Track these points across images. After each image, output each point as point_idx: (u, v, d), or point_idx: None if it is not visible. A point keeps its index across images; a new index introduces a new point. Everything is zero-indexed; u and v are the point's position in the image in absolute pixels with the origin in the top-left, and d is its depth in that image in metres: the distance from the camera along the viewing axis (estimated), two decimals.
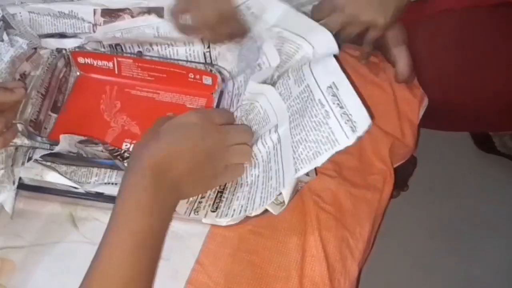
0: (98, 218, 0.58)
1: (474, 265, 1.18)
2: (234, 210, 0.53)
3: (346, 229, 0.59)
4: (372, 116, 0.45)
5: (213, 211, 0.54)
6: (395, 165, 0.67)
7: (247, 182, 0.54)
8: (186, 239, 0.57)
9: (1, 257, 0.56)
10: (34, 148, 0.59)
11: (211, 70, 0.65)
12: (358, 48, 0.70)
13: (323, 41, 0.57)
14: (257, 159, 0.55)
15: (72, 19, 0.69)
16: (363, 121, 0.45)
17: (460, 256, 1.19)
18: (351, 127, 0.46)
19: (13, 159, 0.60)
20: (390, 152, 0.65)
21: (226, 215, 0.53)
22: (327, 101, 0.49)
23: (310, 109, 0.50)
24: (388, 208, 0.69)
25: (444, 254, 1.19)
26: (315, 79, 0.51)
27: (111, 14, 0.68)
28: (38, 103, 0.63)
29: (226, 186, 0.55)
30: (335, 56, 0.52)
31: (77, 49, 0.68)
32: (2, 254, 0.56)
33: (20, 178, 0.57)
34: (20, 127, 0.61)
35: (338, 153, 0.46)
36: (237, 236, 0.57)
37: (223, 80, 0.65)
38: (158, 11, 0.66)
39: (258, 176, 0.53)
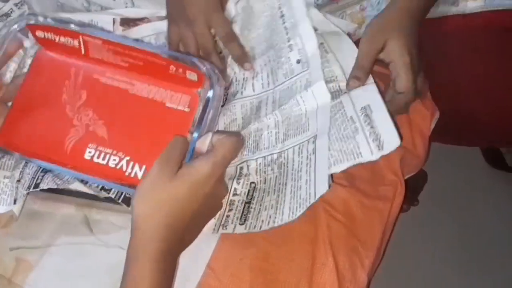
0: (113, 221, 0.58)
1: (483, 283, 1.17)
2: (263, 221, 0.53)
3: (357, 239, 0.59)
4: (401, 139, 0.49)
5: (242, 224, 0.54)
6: (406, 176, 0.68)
7: (274, 189, 0.55)
8: (197, 244, 0.57)
9: (16, 257, 0.57)
10: (45, 170, 0.58)
11: (196, 65, 0.51)
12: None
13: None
14: (287, 166, 0.55)
15: (92, 28, 0.71)
16: (392, 142, 0.49)
17: (469, 273, 1.18)
18: (378, 145, 0.49)
19: (21, 174, 0.59)
20: (401, 163, 0.66)
21: (255, 227, 0.53)
22: (359, 119, 0.52)
23: (340, 123, 0.53)
24: (398, 222, 0.70)
25: (452, 271, 1.19)
26: (350, 98, 0.55)
27: (129, 23, 0.69)
28: None
29: (254, 195, 0.56)
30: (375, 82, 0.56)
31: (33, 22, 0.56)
32: (18, 254, 0.57)
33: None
34: None
35: (359, 165, 0.50)
36: (248, 242, 0.57)
37: (210, 83, 0.52)
38: None
39: (286, 184, 0.54)
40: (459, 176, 1.29)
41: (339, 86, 0.58)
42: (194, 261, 0.56)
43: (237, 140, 0.51)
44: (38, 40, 0.57)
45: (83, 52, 0.55)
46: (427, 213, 1.22)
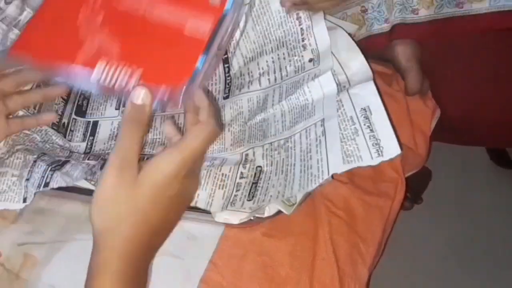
0: None
1: (488, 282, 1.17)
2: (271, 196, 0.53)
3: (357, 235, 0.60)
4: (401, 147, 0.49)
5: (249, 200, 0.54)
6: (406, 174, 0.68)
7: (282, 170, 0.55)
8: (200, 239, 0.58)
9: (24, 253, 0.58)
10: (53, 169, 0.58)
11: None
12: (376, 62, 0.71)
13: (357, 65, 0.60)
14: (294, 149, 0.56)
15: None
16: (392, 149, 0.49)
17: (472, 271, 1.18)
18: (378, 150, 0.50)
19: (30, 173, 0.60)
20: (402, 161, 0.66)
21: (263, 201, 0.53)
22: (358, 120, 0.52)
23: (340, 122, 0.53)
24: (401, 220, 0.70)
25: (455, 269, 1.19)
26: (350, 96, 0.55)
27: None
28: (60, 108, 0.66)
29: (260, 177, 0.56)
30: (374, 82, 0.55)
31: None
32: (25, 249, 0.58)
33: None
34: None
35: (359, 167, 0.50)
36: (250, 238, 0.58)
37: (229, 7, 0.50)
38: None
39: (295, 165, 0.55)
40: (463, 174, 1.29)
41: (338, 80, 0.59)
42: (197, 256, 0.57)
43: (213, 131, 0.44)
44: None
45: None
46: (431, 211, 1.22)
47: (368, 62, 0.60)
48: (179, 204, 0.44)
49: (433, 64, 0.72)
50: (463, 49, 0.72)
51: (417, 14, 0.66)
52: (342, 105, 0.54)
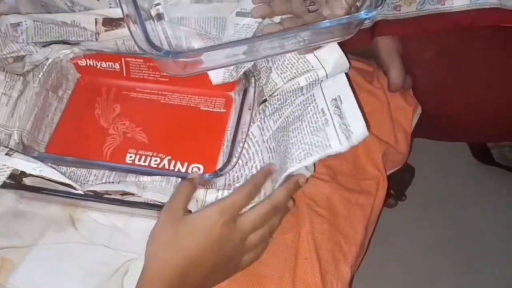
0: (96, 219, 0.59)
1: (471, 278, 1.17)
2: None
3: (339, 233, 0.60)
4: (369, 129, 0.49)
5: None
6: (388, 172, 0.69)
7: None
8: None
9: (1, 257, 0.57)
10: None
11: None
12: (357, 59, 0.71)
13: (335, 58, 0.59)
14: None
15: (75, 28, 0.71)
16: (359, 132, 0.49)
17: (457, 269, 1.19)
18: (347, 136, 0.49)
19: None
20: (383, 159, 0.67)
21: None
22: (329, 111, 0.52)
23: (311, 116, 0.53)
24: (385, 217, 0.70)
25: (440, 265, 1.19)
26: (322, 89, 0.55)
27: (112, 23, 0.69)
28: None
29: None
30: (346, 74, 0.55)
31: (74, 55, 0.64)
32: (2, 254, 0.57)
33: (21, 180, 0.58)
34: (16, 135, 0.60)
35: (329, 156, 0.50)
36: None
37: (246, 78, 0.59)
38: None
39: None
40: (446, 171, 1.30)
41: (317, 75, 0.59)
42: None
43: (252, 188, 0.52)
44: (78, 68, 0.64)
45: (124, 73, 0.62)
46: (415, 208, 1.23)
47: (347, 56, 0.60)
48: (220, 248, 0.49)
49: (414, 61, 0.72)
50: (444, 46, 0.73)
51: (399, 10, 0.66)
52: (314, 99, 0.54)
